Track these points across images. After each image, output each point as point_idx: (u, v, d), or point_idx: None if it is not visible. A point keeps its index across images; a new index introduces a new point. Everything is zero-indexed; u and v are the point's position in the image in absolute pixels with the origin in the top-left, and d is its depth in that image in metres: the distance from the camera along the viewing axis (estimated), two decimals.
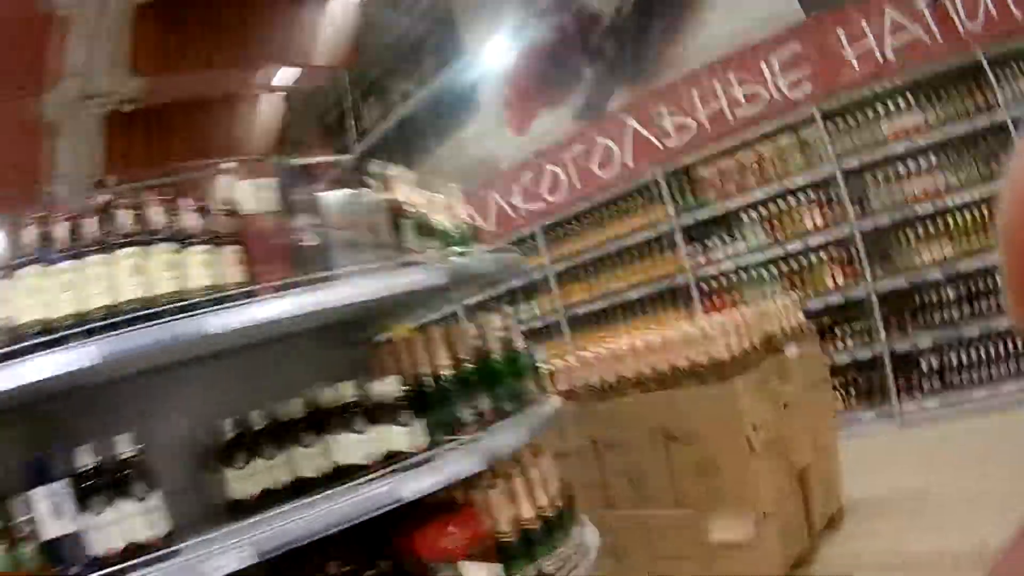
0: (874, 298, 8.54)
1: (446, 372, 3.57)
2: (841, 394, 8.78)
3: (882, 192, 8.55)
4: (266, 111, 12.84)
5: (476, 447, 3.35)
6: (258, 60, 10.81)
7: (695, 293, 9.97)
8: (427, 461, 3.20)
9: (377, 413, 3.20)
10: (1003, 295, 0.70)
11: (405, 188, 3.85)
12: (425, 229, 3.72)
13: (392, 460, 3.14)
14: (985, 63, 7.83)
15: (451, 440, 3.40)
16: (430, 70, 13.48)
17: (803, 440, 5.59)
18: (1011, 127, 7.68)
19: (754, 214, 9.45)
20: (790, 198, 9.15)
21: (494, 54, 12.47)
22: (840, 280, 8.84)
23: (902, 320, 8.53)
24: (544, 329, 12.06)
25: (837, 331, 8.93)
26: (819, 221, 8.94)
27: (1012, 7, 7.79)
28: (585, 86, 11.97)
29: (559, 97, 12.27)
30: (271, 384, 3.40)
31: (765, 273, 9.39)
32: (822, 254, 8.97)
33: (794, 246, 9.10)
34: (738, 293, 9.59)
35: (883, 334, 8.53)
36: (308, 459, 3.18)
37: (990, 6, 7.92)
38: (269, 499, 3.06)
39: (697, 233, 10.10)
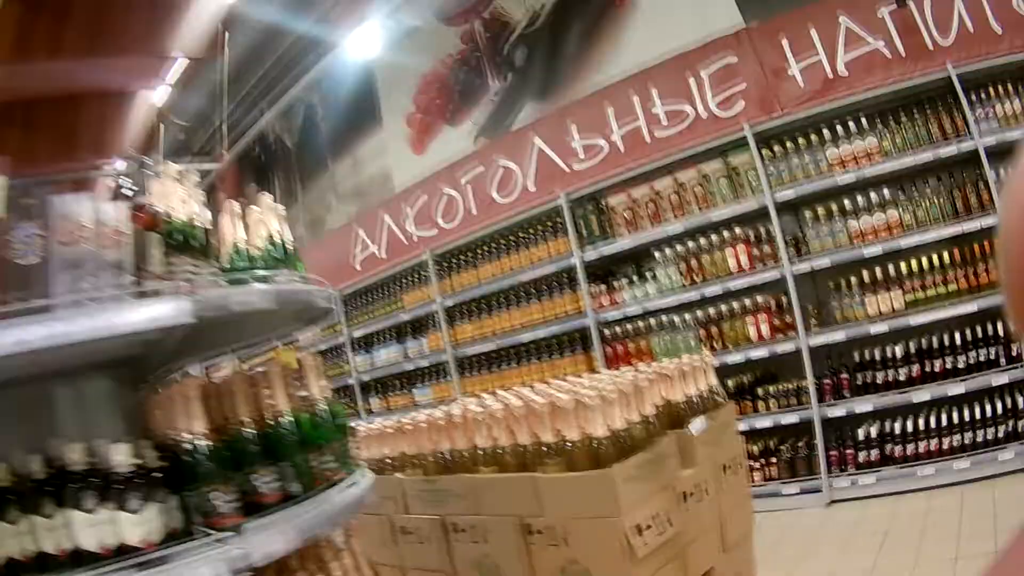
0: (806, 354, 6.87)
1: (204, 440, 2.67)
2: (761, 463, 7.17)
3: (822, 230, 6.88)
4: (134, 112, 11.06)
5: (225, 550, 2.46)
6: (115, 51, 9.11)
7: (596, 339, 8.24)
8: (160, 562, 2.40)
9: (111, 488, 2.45)
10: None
11: (178, 192, 2.93)
12: (187, 246, 2.78)
13: (124, 554, 2.41)
14: (957, 83, 6.29)
15: (205, 534, 2.53)
16: (316, 74, 11.68)
17: (708, 538, 4.03)
18: (983, 157, 6.19)
19: (669, 251, 7.73)
20: (712, 234, 7.46)
21: (395, 61, 10.80)
22: (766, 332, 7.16)
23: (838, 380, 6.91)
24: (432, 370, 10.39)
25: (760, 391, 7.29)
26: (744, 262, 7.25)
27: (991, 21, 6.30)
28: (490, 100, 10.23)
29: (463, 112, 10.51)
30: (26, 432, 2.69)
31: (678, 321, 7.68)
32: (746, 301, 7.30)
33: (713, 290, 7.39)
34: (645, 342, 7.92)
35: (814, 396, 6.87)
36: (49, 532, 2.41)
37: (965, 18, 6.40)
38: (14, 571, 2.40)
39: (602, 270, 8.44)
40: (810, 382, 6.91)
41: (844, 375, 6.88)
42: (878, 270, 6.67)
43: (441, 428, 4.31)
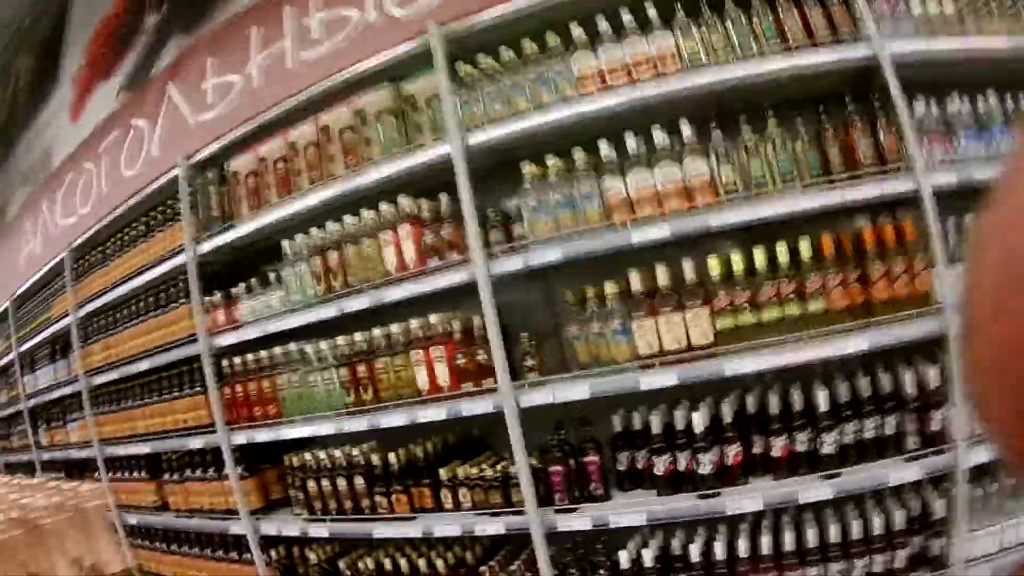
0: (514, 418, 3.34)
1: None
2: None
3: (553, 198, 3.28)
4: None
5: None
6: None
7: (211, 375, 4.57)
8: None
9: None
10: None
11: None
12: None
13: None
14: None
15: None
16: None
17: None
18: (887, 73, 2.88)
19: (300, 240, 4.10)
20: (365, 210, 3.86)
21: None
22: (445, 379, 3.56)
23: (579, 467, 3.31)
24: (66, 402, 6.66)
25: (447, 474, 3.65)
26: (411, 256, 3.62)
27: None
28: (141, 42, 6.37)
29: (118, 62, 6.63)
30: None
31: (312, 352, 4.03)
32: (414, 323, 3.68)
33: (358, 303, 3.76)
34: (270, 383, 4.24)
35: (530, 494, 3.34)
36: None
37: None
38: None
39: (228, 272, 4.68)
40: (522, 469, 3.41)
41: (591, 457, 3.35)
42: (661, 271, 3.14)
43: None
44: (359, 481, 3.84)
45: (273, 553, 4.49)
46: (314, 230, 4.01)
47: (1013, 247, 0.45)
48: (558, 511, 3.35)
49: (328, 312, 3.85)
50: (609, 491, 3.37)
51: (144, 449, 5.34)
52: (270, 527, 4.42)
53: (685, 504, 3.08)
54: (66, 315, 6.28)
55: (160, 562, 5.61)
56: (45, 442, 7.26)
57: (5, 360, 7.98)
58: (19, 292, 7.60)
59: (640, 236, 3.08)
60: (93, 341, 5.96)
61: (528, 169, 3.39)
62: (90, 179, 6.13)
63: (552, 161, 3.36)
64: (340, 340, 3.86)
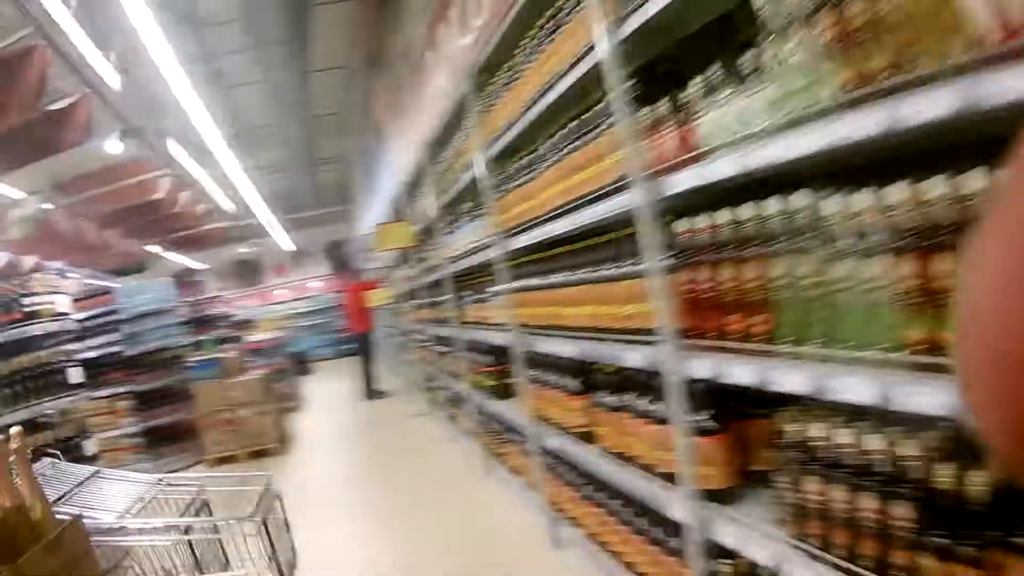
0: None
1: None
2: None
3: None
4: None
5: None
6: None
7: (652, 243, 2.68)
8: None
9: None
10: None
11: None
12: None
13: None
14: None
15: None
16: None
17: None
18: None
19: None
20: None
21: None
22: None
23: None
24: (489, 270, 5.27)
25: None
26: None
27: None
28: None
29: None
30: None
31: (834, 210, 1.81)
32: None
33: (927, 107, 1.42)
34: (755, 270, 2.14)
35: None
36: None
37: None
38: None
39: (661, 74, 2.72)
40: None
41: None
42: None
43: None
44: (902, 511, 1.69)
45: (726, 567, 2.54)
46: None
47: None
48: None
49: (859, 126, 1.63)
50: None
51: (569, 349, 3.66)
52: (726, 533, 2.46)
53: None
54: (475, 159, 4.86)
55: (581, 511, 4.03)
56: (470, 318, 6.06)
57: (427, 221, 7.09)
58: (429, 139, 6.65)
59: None
60: (508, 190, 4.38)
61: None
62: None
63: None
64: (897, 190, 1.66)
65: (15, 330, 6.34)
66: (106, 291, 9.86)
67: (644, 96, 2.64)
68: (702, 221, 2.39)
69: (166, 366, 9.53)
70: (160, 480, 2.66)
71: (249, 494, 2.59)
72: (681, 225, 2.51)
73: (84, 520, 1.44)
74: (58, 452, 2.75)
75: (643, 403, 2.99)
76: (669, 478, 2.82)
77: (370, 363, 12.72)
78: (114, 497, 2.45)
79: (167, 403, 9.38)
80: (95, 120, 7.06)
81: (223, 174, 11.98)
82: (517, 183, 4.18)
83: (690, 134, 2.40)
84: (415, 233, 8.35)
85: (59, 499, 2.34)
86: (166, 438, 9.33)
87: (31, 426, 6.15)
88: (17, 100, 5.49)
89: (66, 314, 7.01)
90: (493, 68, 4.41)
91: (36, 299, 6.69)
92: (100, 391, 9.08)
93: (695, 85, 2.34)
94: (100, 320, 9.43)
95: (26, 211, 10.27)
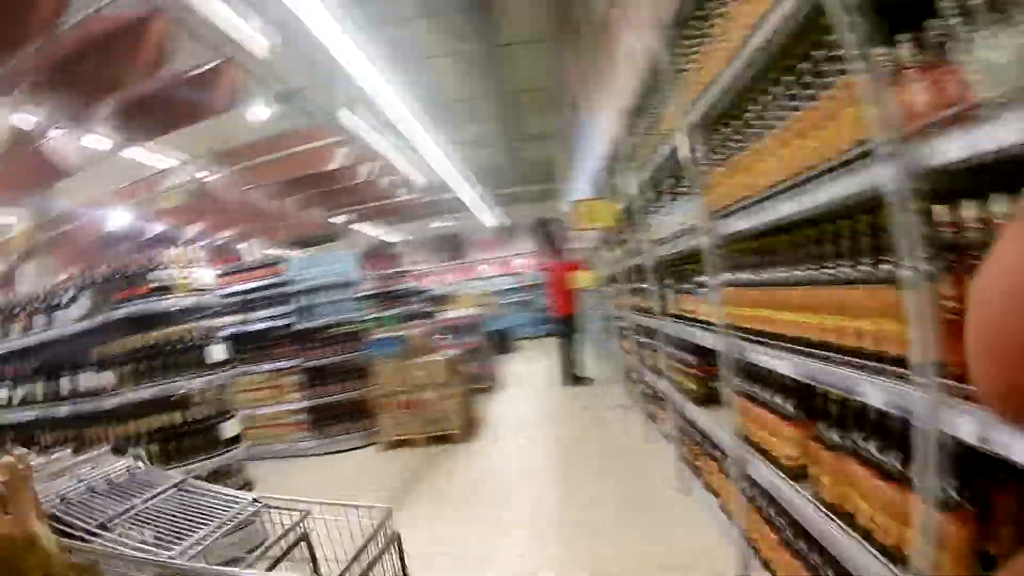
0: None
1: None
2: None
3: None
4: None
5: None
6: None
7: (910, 236, 1.92)
8: None
9: None
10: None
11: None
12: None
13: None
14: None
15: None
16: None
17: None
18: None
19: None
20: None
21: None
22: None
23: None
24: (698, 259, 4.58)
25: None
26: None
27: None
28: None
29: None
30: None
31: None
32: None
33: None
34: None
35: None
36: None
37: None
38: None
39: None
40: None
41: None
42: None
43: None
44: None
45: None
46: None
47: None
48: None
49: None
50: None
51: (785, 366, 2.92)
52: None
53: None
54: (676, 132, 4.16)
55: (779, 557, 3.32)
56: (674, 310, 5.37)
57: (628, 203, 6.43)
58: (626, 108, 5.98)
59: None
60: (717, 164, 3.66)
61: None
62: None
63: None
64: None
65: (141, 304, 6.06)
66: (272, 263, 9.83)
67: (882, 33, 1.90)
68: (974, 209, 1.64)
69: (340, 342, 9.36)
70: (256, 500, 2.20)
71: (365, 526, 2.09)
72: (944, 214, 1.76)
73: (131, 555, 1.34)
74: (142, 454, 2.35)
75: (875, 448, 2.24)
76: (893, 555, 2.08)
77: (572, 347, 12.28)
78: (187, 519, 2.02)
79: (339, 381, 9.23)
80: (251, 88, 6.90)
81: (413, 147, 11.74)
82: (727, 154, 3.46)
83: (946, 80, 1.64)
84: (618, 212, 7.69)
85: (113, 518, 1.93)
86: (335, 417, 9.19)
87: (159, 406, 5.94)
88: (136, 66, 5.31)
89: (206, 289, 6.67)
90: (688, 19, 3.71)
91: (167, 272, 6.32)
92: (262, 365, 9.04)
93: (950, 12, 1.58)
94: (268, 292, 9.41)
95: (179, 179, 10.33)
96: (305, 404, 9.13)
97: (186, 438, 5.88)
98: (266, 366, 9.21)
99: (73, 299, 6.28)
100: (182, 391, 6.06)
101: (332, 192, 12.65)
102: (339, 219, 16.14)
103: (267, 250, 11.62)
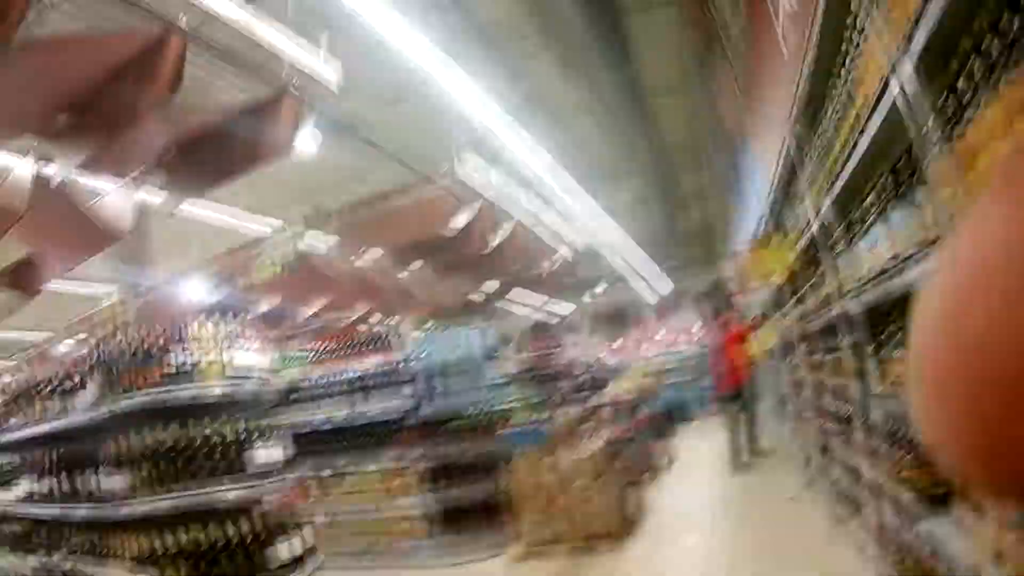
0: None
1: None
2: None
3: None
4: None
5: None
6: None
7: None
8: None
9: None
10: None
11: None
12: None
13: None
14: None
15: None
16: None
17: None
18: None
19: None
20: None
21: None
22: None
23: None
24: None
25: None
26: None
27: None
28: None
29: None
30: None
31: None
32: None
33: None
34: None
35: None
36: None
37: None
38: None
39: None
40: None
41: None
42: None
43: None
44: None
45: None
46: None
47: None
48: None
49: None
50: None
51: None
52: None
53: None
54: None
55: None
56: (876, 387, 3.89)
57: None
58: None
59: None
60: (959, 134, 2.25)
61: None
62: None
63: None
64: None
65: (154, 394, 4.91)
66: (384, 338, 8.74)
67: None
68: None
69: (470, 431, 8.23)
70: None
71: None
72: None
73: None
74: None
75: None
76: None
77: (740, 427, 10.81)
78: None
79: (467, 478, 8.04)
80: None
81: (560, 212, 10.64)
82: (974, 116, 2.07)
83: None
84: (793, 254, 6.14)
85: None
86: (460, 521, 8.02)
87: (188, 517, 4.77)
88: (146, 92, 4.50)
89: (250, 375, 5.43)
90: None
91: (186, 355, 5.06)
92: (368, 462, 7.88)
93: None
94: (381, 375, 8.37)
95: (277, 248, 9.41)
96: (423, 505, 7.98)
97: (222, 561, 4.71)
98: (372, 465, 8.18)
99: (82, 383, 5.40)
100: (215, 504, 4.89)
101: (469, 261, 11.45)
102: (482, 294, 14.96)
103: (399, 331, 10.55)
